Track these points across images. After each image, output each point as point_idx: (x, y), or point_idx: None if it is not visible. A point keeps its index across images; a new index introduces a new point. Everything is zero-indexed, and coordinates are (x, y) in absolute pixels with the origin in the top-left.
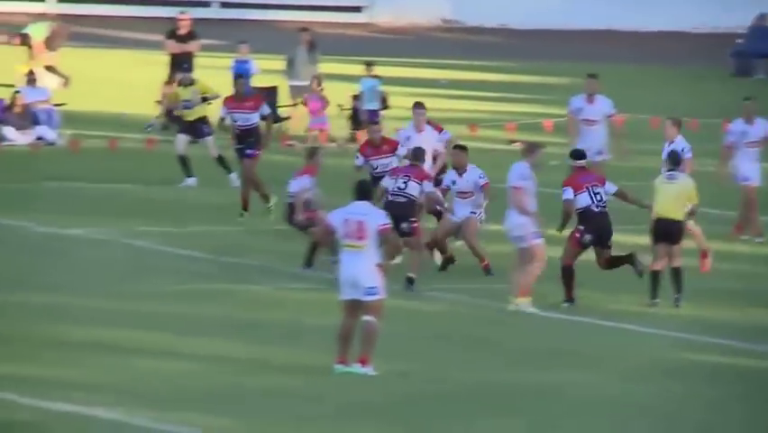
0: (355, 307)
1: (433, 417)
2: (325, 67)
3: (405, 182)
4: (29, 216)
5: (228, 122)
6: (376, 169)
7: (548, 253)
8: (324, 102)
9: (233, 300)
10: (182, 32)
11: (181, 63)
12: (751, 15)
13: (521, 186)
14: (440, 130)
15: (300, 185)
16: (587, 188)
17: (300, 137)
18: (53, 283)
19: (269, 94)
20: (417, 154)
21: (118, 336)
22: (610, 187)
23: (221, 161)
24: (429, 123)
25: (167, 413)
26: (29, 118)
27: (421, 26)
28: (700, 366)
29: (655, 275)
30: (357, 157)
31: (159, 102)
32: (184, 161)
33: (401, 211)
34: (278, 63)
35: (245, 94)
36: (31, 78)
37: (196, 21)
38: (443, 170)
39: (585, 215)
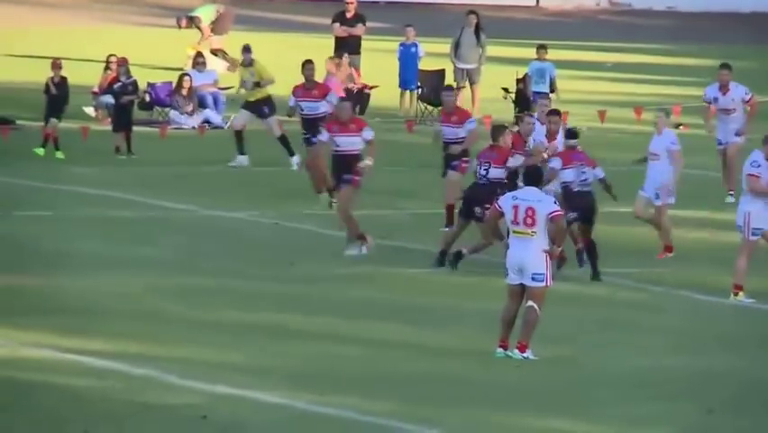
0: (520, 292)
1: (591, 402)
2: (492, 50)
3: (486, 169)
4: (194, 200)
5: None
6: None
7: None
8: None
9: (393, 284)
10: (349, 15)
11: (347, 46)
12: None
13: (755, 173)
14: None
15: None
16: (576, 165)
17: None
18: (216, 267)
19: (436, 77)
20: (495, 133)
21: (280, 319)
22: (599, 172)
23: (283, 140)
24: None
25: (326, 396)
26: (195, 102)
27: (589, 9)
28: None
29: None
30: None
31: None
32: (239, 137)
33: (479, 195)
34: (445, 46)
35: (312, 82)
36: (198, 62)
37: (363, 4)
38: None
39: (564, 191)
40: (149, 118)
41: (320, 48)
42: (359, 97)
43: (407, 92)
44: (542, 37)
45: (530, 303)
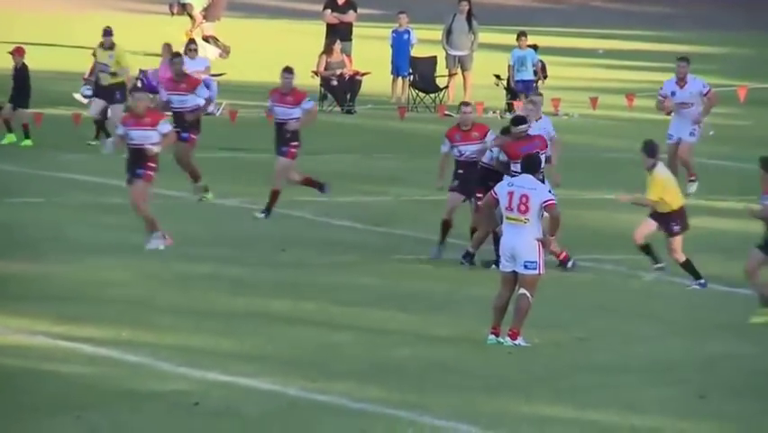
0: (513, 279)
1: (582, 389)
2: (484, 37)
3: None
4: (186, 187)
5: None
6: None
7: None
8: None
9: (385, 271)
10: (340, 1)
11: (339, 33)
12: None
13: None
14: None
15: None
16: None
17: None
18: (208, 253)
19: (428, 64)
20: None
21: (272, 306)
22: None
23: (99, 124)
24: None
25: (318, 383)
26: None
27: None
28: None
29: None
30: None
31: (314, 73)
32: (100, 125)
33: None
34: (437, 33)
35: (181, 74)
36: (190, 48)
37: None
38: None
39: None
40: None
41: (312, 34)
42: (351, 84)
43: (399, 78)
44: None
45: (522, 291)
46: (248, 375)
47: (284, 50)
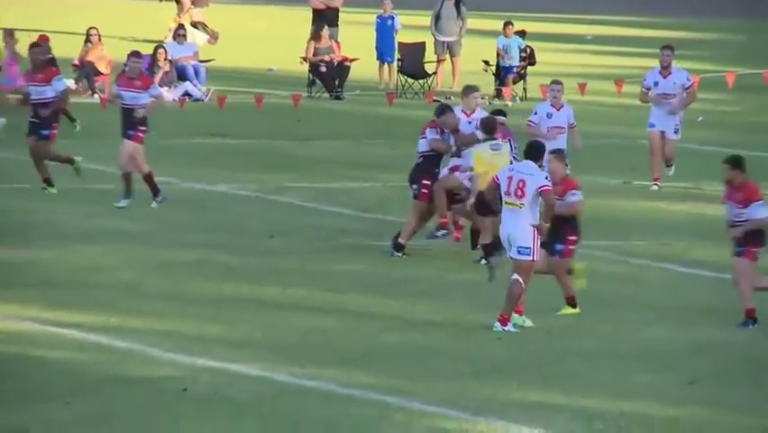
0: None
1: (570, 375)
2: (472, 23)
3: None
4: (175, 172)
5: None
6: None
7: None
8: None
9: (373, 256)
10: None
11: (326, 19)
12: None
13: None
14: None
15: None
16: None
17: (445, 93)
18: (196, 239)
19: (416, 50)
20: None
21: (260, 292)
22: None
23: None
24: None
25: (307, 369)
26: (174, 74)
27: None
28: None
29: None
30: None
31: (303, 59)
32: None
33: (413, 173)
34: (426, 19)
35: (38, 66)
36: (179, 34)
37: None
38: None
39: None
40: None
41: (300, 20)
42: (339, 70)
43: (386, 64)
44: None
45: (515, 276)
46: (236, 361)
47: (272, 35)
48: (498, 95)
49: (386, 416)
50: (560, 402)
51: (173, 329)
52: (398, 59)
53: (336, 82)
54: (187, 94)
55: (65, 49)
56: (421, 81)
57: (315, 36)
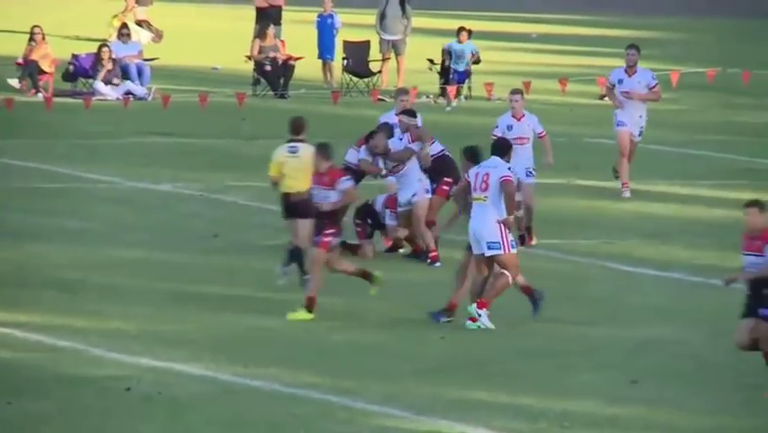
0: (485, 261)
1: (515, 374)
2: (417, 21)
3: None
4: (118, 171)
5: None
6: None
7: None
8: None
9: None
10: None
11: (270, 17)
12: None
13: None
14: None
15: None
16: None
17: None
18: (140, 239)
19: (361, 48)
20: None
21: (204, 291)
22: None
23: None
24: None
25: (250, 368)
26: (119, 73)
27: None
28: None
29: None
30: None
31: (248, 57)
32: None
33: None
34: (370, 18)
35: None
36: (123, 33)
37: None
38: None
39: (441, 160)
40: (73, 89)
41: (244, 19)
42: (284, 69)
43: (327, 63)
44: (467, 8)
45: (502, 271)
46: (180, 361)
47: (216, 34)
48: (443, 93)
49: (329, 415)
50: (503, 401)
51: (117, 329)
52: (344, 58)
53: (281, 81)
54: (129, 93)
55: (9, 47)
56: (366, 80)
57: (261, 34)
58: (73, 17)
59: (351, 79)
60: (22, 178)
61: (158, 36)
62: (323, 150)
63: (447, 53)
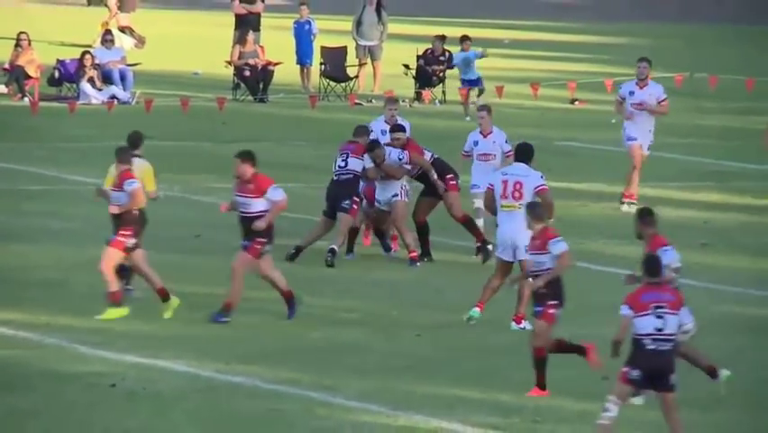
0: (508, 267)
1: (489, 370)
2: (392, 27)
3: (344, 160)
4: (102, 174)
5: None
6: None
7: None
8: None
9: (301, 256)
10: None
11: (249, 24)
12: None
13: None
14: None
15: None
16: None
17: (367, 96)
18: None
19: (338, 54)
20: (358, 132)
21: (186, 290)
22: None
23: None
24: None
25: (232, 365)
26: (100, 78)
27: None
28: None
29: None
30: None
31: (228, 62)
32: None
33: (342, 189)
34: (347, 24)
35: None
36: (107, 39)
37: None
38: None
39: (434, 164)
40: (58, 94)
41: (224, 25)
42: (263, 74)
43: (305, 68)
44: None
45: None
46: (163, 357)
47: (197, 40)
48: (418, 98)
49: (310, 410)
50: (477, 397)
51: (101, 326)
52: (321, 63)
53: (260, 85)
54: (114, 97)
55: None
56: (343, 84)
57: (241, 40)
58: (58, 24)
59: (328, 84)
60: (8, 180)
61: (140, 42)
62: (247, 156)
63: (463, 65)
